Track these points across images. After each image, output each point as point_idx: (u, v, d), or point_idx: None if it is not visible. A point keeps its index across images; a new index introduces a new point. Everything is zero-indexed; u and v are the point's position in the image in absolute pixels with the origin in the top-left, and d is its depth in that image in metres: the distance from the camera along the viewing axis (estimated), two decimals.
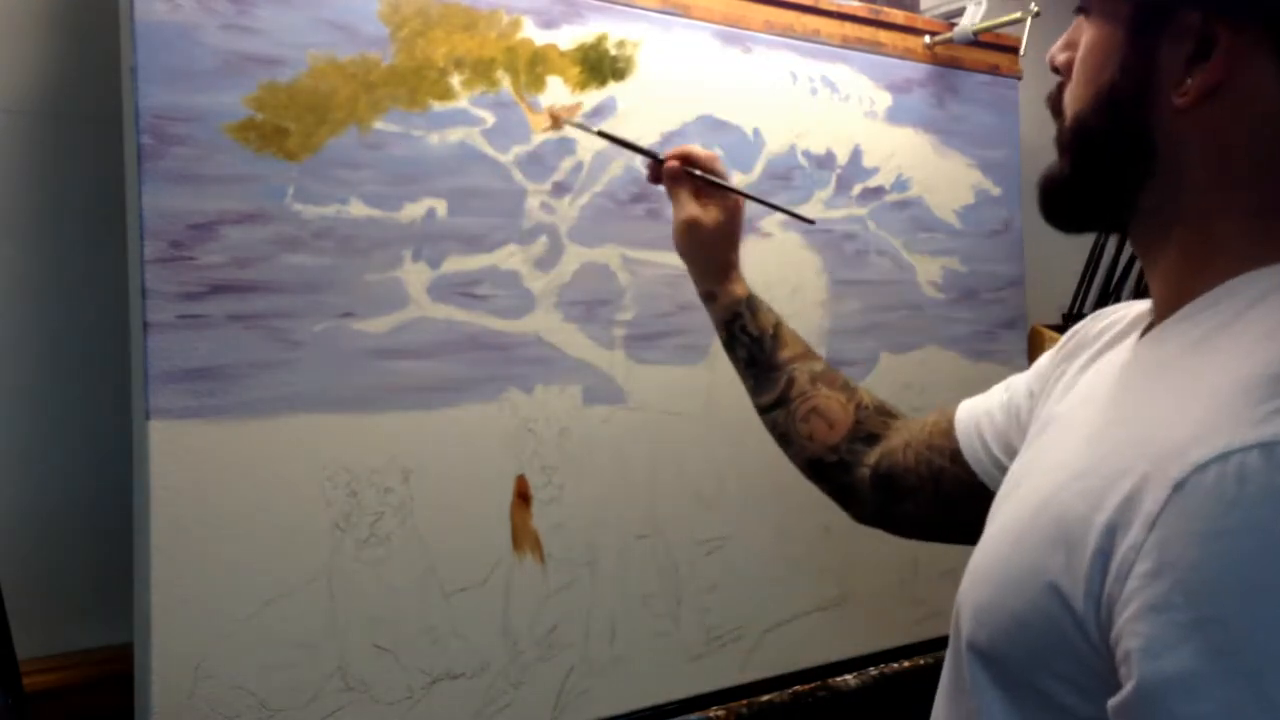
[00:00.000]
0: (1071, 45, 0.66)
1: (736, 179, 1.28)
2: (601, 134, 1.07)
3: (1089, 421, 0.61)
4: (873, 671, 1.39)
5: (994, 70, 1.54)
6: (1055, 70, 0.69)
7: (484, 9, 1.09)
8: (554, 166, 1.15)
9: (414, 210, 1.06)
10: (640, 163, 1.13)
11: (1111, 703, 0.48)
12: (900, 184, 1.44)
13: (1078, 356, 0.76)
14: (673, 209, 1.02)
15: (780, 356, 1.00)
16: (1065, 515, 0.54)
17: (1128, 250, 1.70)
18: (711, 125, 1.26)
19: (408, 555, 1.05)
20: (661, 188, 1.05)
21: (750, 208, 1.09)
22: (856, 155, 1.40)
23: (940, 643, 1.58)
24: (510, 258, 1.12)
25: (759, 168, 1.31)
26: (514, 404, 1.12)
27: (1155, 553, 0.47)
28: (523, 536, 1.12)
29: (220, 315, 0.95)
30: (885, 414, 0.97)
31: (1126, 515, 0.50)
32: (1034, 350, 1.67)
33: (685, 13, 1.24)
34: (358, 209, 1.03)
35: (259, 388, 0.97)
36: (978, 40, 1.46)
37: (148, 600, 0.92)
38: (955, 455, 0.87)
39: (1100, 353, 0.73)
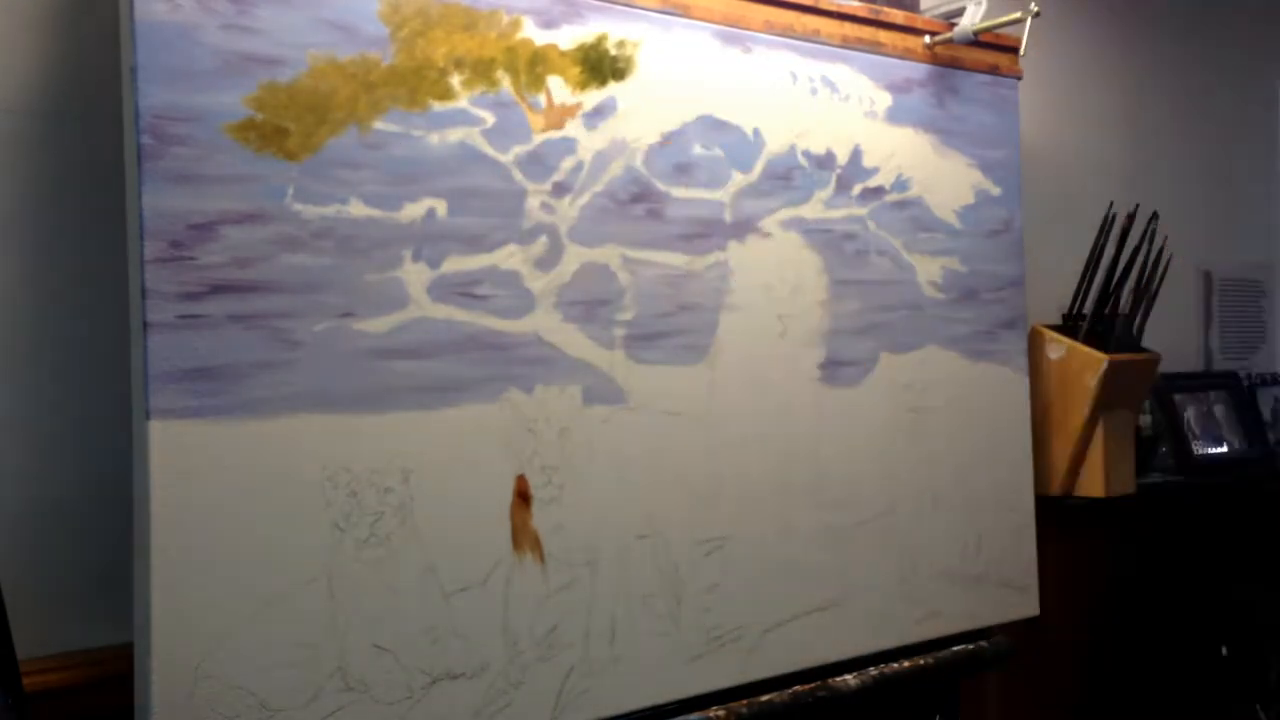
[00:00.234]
0: None
1: (736, 179, 1.28)
2: None
3: None
4: (873, 671, 1.39)
5: (994, 70, 1.54)
6: None
7: (484, 9, 1.09)
8: (554, 166, 1.15)
9: (414, 210, 1.06)
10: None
11: None
12: (900, 184, 1.44)
13: None
14: None
15: None
16: None
17: (1127, 250, 1.70)
18: (711, 125, 1.26)
19: (408, 555, 1.05)
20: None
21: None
22: (856, 155, 1.40)
23: (940, 643, 1.58)
24: (510, 258, 1.12)
25: (759, 168, 1.31)
26: (514, 404, 1.12)
27: None
28: (523, 536, 1.12)
29: (220, 315, 0.95)
30: None
31: None
32: (1034, 350, 1.67)
33: (685, 13, 1.24)
34: (358, 209, 1.03)
35: (259, 388, 0.97)
36: (978, 40, 1.46)
37: (148, 600, 0.92)
38: None
39: None
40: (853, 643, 1.39)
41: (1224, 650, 2.01)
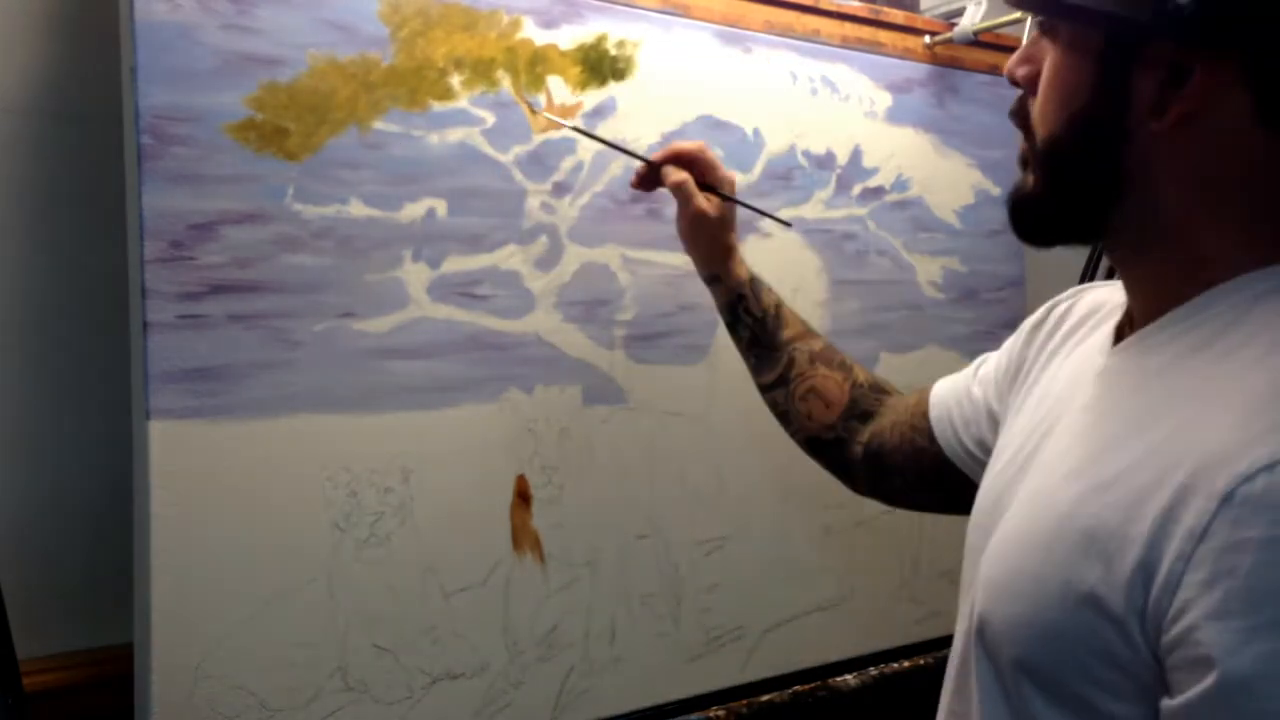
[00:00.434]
0: (1031, 60, 0.65)
1: (736, 179, 1.28)
2: (579, 130, 1.11)
3: (1088, 432, 0.62)
4: (873, 671, 1.39)
5: (994, 70, 1.54)
6: (1015, 84, 0.68)
7: (484, 9, 1.09)
8: (554, 166, 1.15)
9: (414, 210, 1.06)
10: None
11: (1170, 705, 0.50)
12: (900, 184, 1.44)
13: (1058, 342, 0.77)
14: (678, 205, 1.08)
15: (781, 336, 1.03)
16: (1096, 528, 0.55)
17: None
18: (711, 125, 1.26)
19: (408, 555, 1.05)
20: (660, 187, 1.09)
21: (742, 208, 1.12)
22: (856, 155, 1.40)
23: (940, 643, 1.58)
24: (510, 258, 1.12)
25: (759, 168, 1.31)
26: (514, 404, 1.12)
27: (1208, 563, 0.49)
28: (523, 536, 1.12)
29: (220, 315, 0.95)
30: (879, 391, 1.01)
31: (1168, 527, 0.51)
32: None
33: (685, 13, 1.24)
34: (358, 209, 1.03)
35: (259, 388, 0.97)
36: (978, 40, 1.46)
37: (148, 600, 0.92)
38: (932, 437, 0.90)
39: (1079, 344, 0.73)
40: (853, 643, 1.39)
41: None
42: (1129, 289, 0.66)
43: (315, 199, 1.00)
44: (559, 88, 1.15)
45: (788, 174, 1.33)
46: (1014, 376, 0.81)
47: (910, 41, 1.45)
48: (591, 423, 1.17)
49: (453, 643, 1.08)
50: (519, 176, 1.12)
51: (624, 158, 1.17)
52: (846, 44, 1.39)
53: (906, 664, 1.42)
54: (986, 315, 1.54)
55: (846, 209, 1.39)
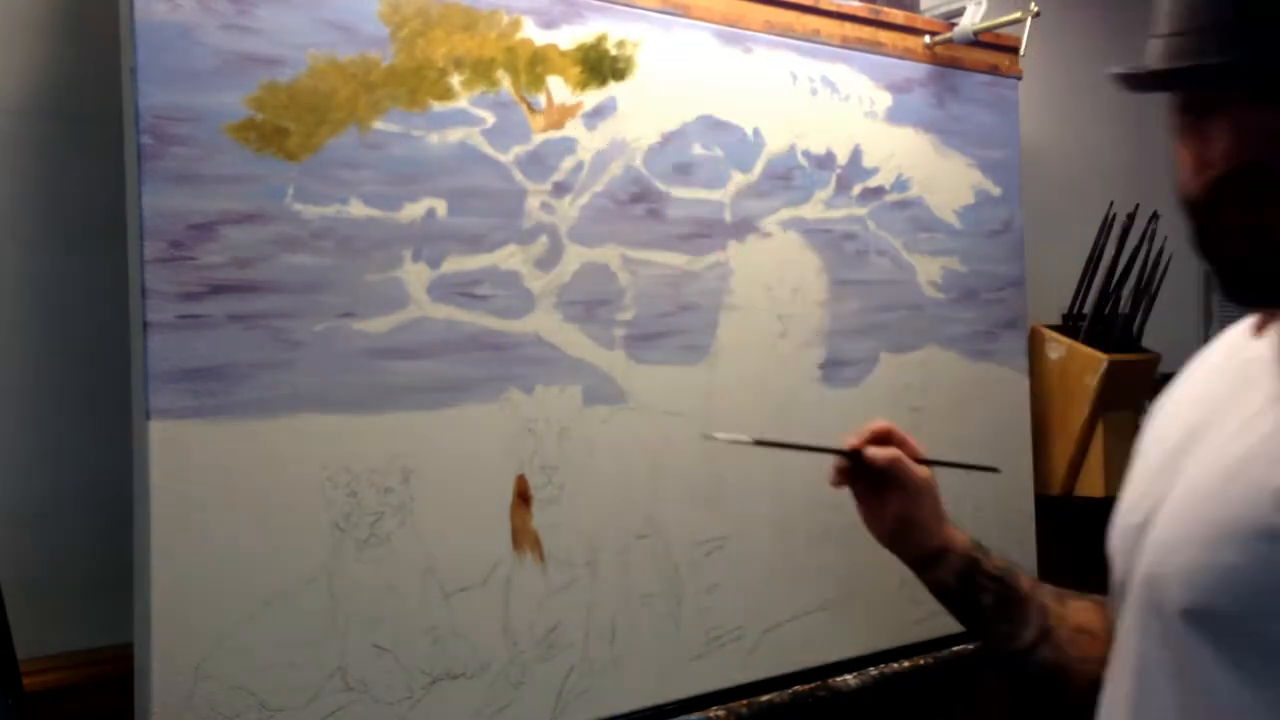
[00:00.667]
0: (1207, 162, 0.63)
1: (736, 179, 1.28)
2: (764, 443, 0.95)
3: (1248, 400, 0.65)
4: (873, 671, 1.39)
5: (994, 70, 1.54)
6: (1206, 198, 0.64)
7: (484, 9, 1.09)
8: (554, 166, 1.15)
9: (414, 210, 1.06)
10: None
11: None
12: (900, 184, 1.44)
13: (1167, 395, 0.79)
14: (886, 489, 0.90)
15: (1023, 587, 0.89)
16: (1269, 470, 0.58)
17: (1127, 250, 1.70)
18: (711, 125, 1.26)
19: (408, 555, 1.05)
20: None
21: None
22: (856, 155, 1.39)
23: (940, 643, 1.58)
24: (510, 258, 1.12)
25: (759, 168, 1.31)
26: (514, 404, 1.12)
27: None
28: (523, 536, 1.12)
29: (220, 315, 0.95)
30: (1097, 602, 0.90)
31: None
32: (1034, 350, 1.67)
33: (685, 13, 1.24)
34: (358, 209, 1.03)
35: (259, 388, 0.97)
36: (978, 40, 1.46)
37: (148, 600, 0.92)
38: None
39: (1200, 364, 0.76)
40: (853, 643, 1.39)
41: None
42: None
43: (315, 199, 1.00)
44: (559, 88, 1.15)
45: (788, 174, 1.33)
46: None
47: (910, 41, 1.45)
48: (591, 423, 1.17)
49: (453, 643, 1.08)
50: (519, 176, 1.12)
51: (625, 159, 1.17)
52: (846, 44, 1.39)
53: (906, 664, 1.42)
54: (986, 315, 1.54)
55: (846, 209, 1.39)
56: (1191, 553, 0.62)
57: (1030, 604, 0.88)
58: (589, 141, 1.16)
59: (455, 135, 1.08)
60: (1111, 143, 1.99)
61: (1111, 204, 1.75)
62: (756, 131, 1.30)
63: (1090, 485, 1.69)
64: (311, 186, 1.00)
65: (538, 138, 1.13)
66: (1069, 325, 1.74)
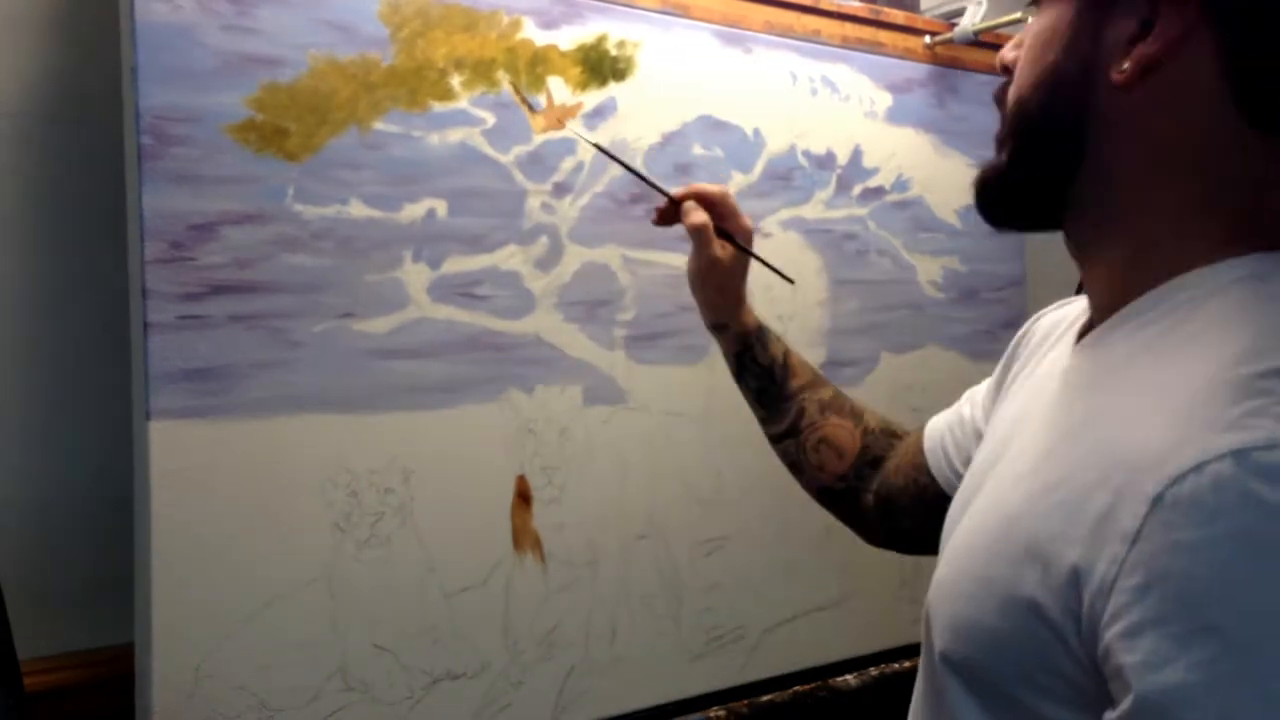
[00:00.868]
0: (1021, 45, 0.66)
1: (737, 179, 1.29)
2: (600, 148, 1.08)
3: (1043, 432, 0.61)
4: (873, 671, 1.39)
5: (994, 70, 1.54)
6: (1004, 70, 0.69)
7: (484, 9, 1.09)
8: (554, 167, 1.15)
9: (414, 210, 1.06)
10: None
11: (1108, 717, 0.48)
12: (900, 184, 1.44)
13: (1026, 359, 0.76)
14: (692, 248, 1.01)
15: (790, 386, 0.99)
16: (1037, 532, 0.54)
17: None
18: (711, 125, 1.26)
19: (408, 555, 1.05)
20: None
21: (747, 202, 1.10)
22: (857, 155, 1.40)
23: None
24: (510, 258, 1.12)
25: (759, 168, 1.31)
26: (514, 404, 1.12)
27: (1141, 567, 0.47)
28: (523, 537, 1.12)
29: (221, 315, 0.95)
30: (890, 435, 0.97)
31: (1102, 531, 0.50)
32: None
33: (685, 13, 1.24)
34: (358, 209, 1.03)
35: (259, 388, 0.97)
36: (978, 40, 1.46)
37: (148, 600, 0.92)
38: (930, 471, 0.88)
39: (1045, 354, 0.73)
40: (853, 643, 1.39)
41: None
42: (1089, 286, 0.65)
43: (315, 199, 1.00)
44: (559, 88, 1.15)
45: (788, 174, 1.33)
46: (996, 392, 0.81)
47: (910, 41, 1.45)
48: (591, 423, 1.17)
49: (453, 643, 1.08)
50: (519, 177, 1.12)
51: (624, 157, 1.16)
52: (847, 44, 1.39)
53: (906, 664, 1.42)
54: (987, 315, 1.54)
55: (847, 209, 1.39)
56: (958, 605, 0.59)
57: (789, 401, 0.99)
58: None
59: (455, 135, 1.08)
60: None
61: None
62: (756, 132, 1.30)
63: None
64: (312, 187, 1.00)
65: (538, 138, 1.13)
66: None
